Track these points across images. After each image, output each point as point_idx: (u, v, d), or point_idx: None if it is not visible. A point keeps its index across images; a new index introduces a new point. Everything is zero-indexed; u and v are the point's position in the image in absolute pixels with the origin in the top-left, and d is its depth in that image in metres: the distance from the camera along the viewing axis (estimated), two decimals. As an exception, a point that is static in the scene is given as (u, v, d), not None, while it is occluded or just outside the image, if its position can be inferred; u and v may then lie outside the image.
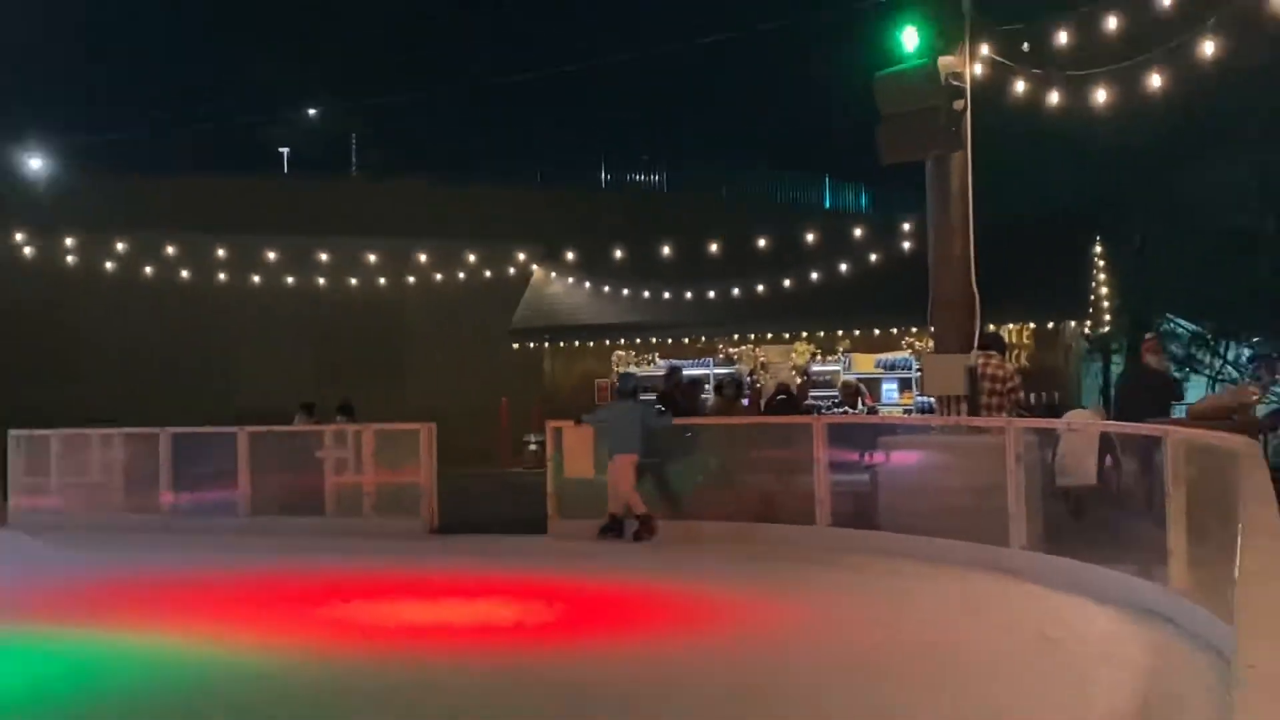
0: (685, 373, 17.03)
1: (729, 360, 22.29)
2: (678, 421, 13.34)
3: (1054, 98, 12.60)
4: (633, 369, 22.12)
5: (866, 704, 6.40)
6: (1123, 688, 6.38)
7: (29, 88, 32.80)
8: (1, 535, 14.59)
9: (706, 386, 18.43)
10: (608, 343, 23.30)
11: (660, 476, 13.06)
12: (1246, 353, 24.21)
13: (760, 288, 21.53)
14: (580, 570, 10.90)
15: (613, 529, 12.68)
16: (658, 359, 23.19)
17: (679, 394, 14.99)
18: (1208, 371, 27.52)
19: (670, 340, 22.81)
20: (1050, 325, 19.67)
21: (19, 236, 23.35)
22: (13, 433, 15.70)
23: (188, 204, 25.06)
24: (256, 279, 24.36)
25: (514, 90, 29.81)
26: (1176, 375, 14.53)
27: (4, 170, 25.58)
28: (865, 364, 20.89)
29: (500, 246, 24.40)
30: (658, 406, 13.88)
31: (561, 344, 23.65)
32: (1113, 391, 15.24)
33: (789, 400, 15.80)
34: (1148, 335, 12.98)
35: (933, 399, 13.33)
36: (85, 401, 21.77)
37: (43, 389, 23.04)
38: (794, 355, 21.54)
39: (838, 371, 20.79)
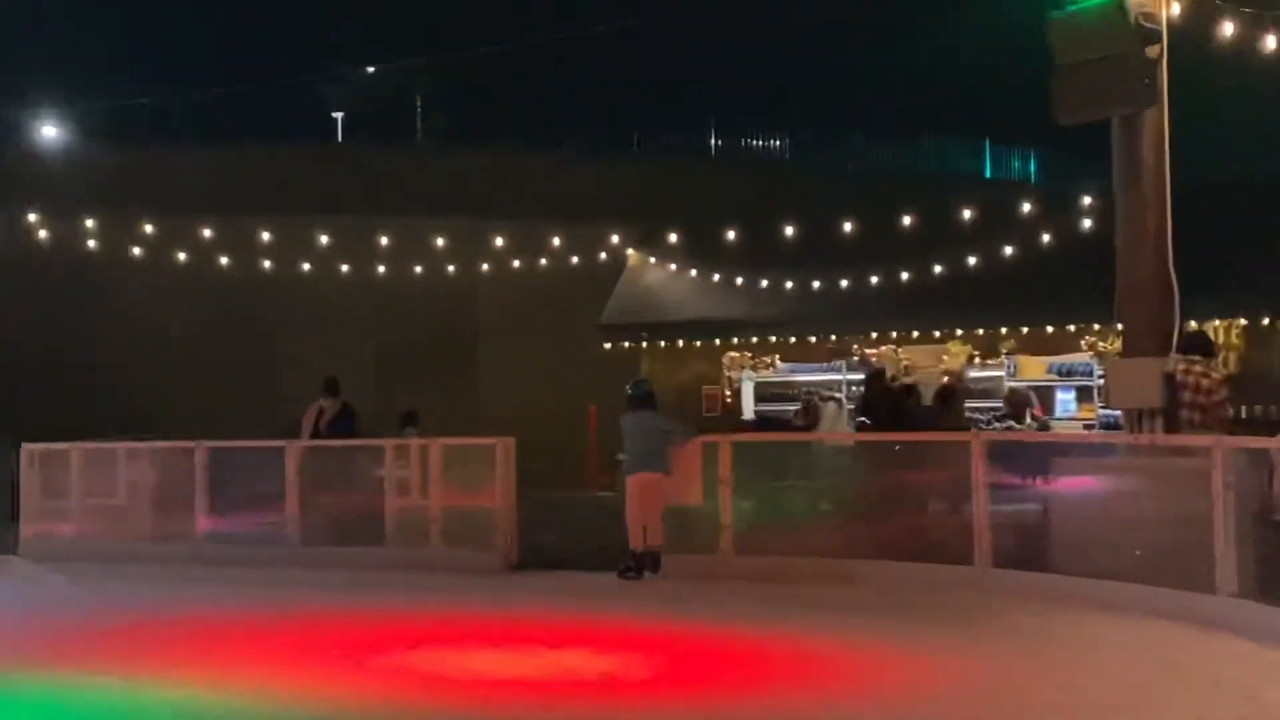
0: (892, 379, 17.02)
1: (865, 363, 22.03)
2: (881, 436, 13.34)
3: (1271, 42, 12.23)
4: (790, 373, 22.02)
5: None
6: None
7: (43, 45, 33.79)
8: (12, 565, 15.01)
9: (921, 390, 18.11)
10: (718, 342, 23.17)
11: (777, 501, 13.19)
12: None
13: (904, 275, 21.19)
14: (686, 616, 10.92)
15: (634, 569, 12.90)
16: (778, 362, 23.04)
17: (882, 401, 14.97)
18: None
19: (794, 339, 22.60)
20: (1266, 321, 19.10)
21: (32, 218, 24.07)
22: (26, 447, 16.09)
23: (225, 179, 25.58)
24: (306, 266, 24.76)
25: (606, 42, 29.81)
26: None
27: (15, 143, 26.42)
28: (1035, 369, 20.48)
29: (589, 227, 24.44)
30: (861, 418, 13.99)
31: (662, 343, 23.57)
32: None
33: (946, 400, 15.49)
34: None
35: (1119, 412, 13.04)
36: (109, 411, 22.35)
37: (61, 396, 23.73)
38: (946, 358, 21.18)
39: (1001, 378, 20.45)
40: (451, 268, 25.10)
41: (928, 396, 16.92)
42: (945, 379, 18.82)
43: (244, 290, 25.05)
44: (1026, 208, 21.11)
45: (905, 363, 21.58)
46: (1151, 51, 11.91)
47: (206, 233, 24.33)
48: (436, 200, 25.76)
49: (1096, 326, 19.48)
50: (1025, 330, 20.80)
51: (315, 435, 15.63)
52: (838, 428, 18.50)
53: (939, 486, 12.36)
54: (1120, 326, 12.70)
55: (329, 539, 14.45)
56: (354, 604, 11.93)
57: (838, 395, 20.43)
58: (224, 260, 24.53)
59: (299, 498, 14.53)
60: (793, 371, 23.04)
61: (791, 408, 21.36)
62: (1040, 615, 10.32)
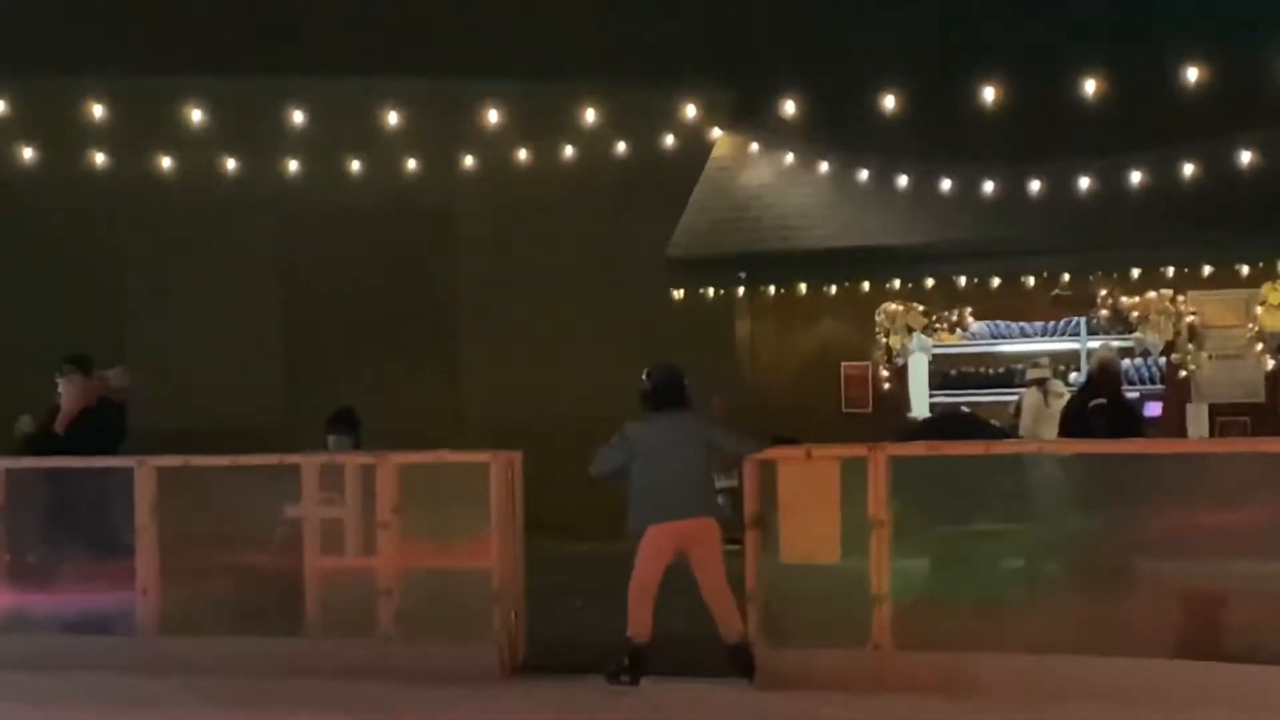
0: None
1: (1120, 318, 21.90)
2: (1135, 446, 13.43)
3: None
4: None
5: None
6: None
7: None
8: None
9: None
10: (867, 287, 23.14)
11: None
12: None
13: (1188, 170, 21.17)
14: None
15: (629, 670, 12.96)
16: (970, 319, 22.95)
17: None
18: None
19: (997, 280, 22.54)
20: None
21: None
22: None
23: (30, 13, 25.69)
24: (167, 162, 24.83)
25: None
26: None
27: None
28: None
29: (647, 91, 24.36)
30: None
31: (772, 289, 23.54)
32: None
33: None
34: None
35: None
36: None
37: None
38: (1260, 311, 21.12)
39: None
40: (412, 163, 25.09)
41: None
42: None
43: (64, 200, 25.20)
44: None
45: (1190, 319, 21.47)
46: None
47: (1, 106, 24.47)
48: (384, 47, 25.78)
49: None
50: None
51: (39, 443, 15.70)
52: (1044, 430, 18.45)
53: (1258, 531, 12.21)
54: None
55: (206, 624, 14.49)
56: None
57: (1056, 379, 20.20)
58: (28, 151, 24.64)
59: (157, 553, 14.56)
60: (996, 336, 22.93)
61: (1007, 398, 21.25)
62: None
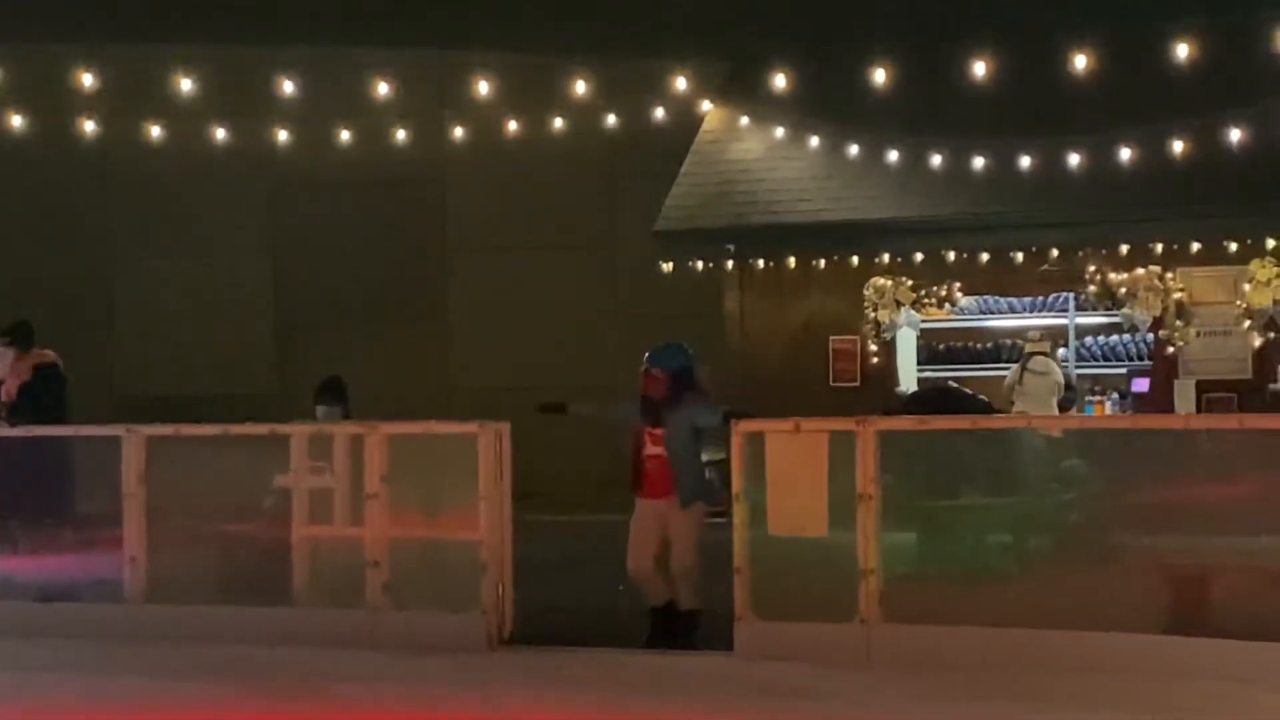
0: None
1: (1109, 294, 21.86)
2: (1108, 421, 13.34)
3: None
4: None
5: None
6: None
7: None
8: None
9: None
10: (856, 261, 23.10)
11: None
12: None
13: (1178, 146, 21.10)
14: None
15: (678, 629, 13.37)
16: (958, 294, 22.91)
17: None
18: None
19: (986, 255, 22.51)
20: None
21: None
22: None
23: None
24: (156, 130, 24.73)
25: None
26: None
27: None
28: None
29: (637, 62, 24.28)
30: None
31: (762, 262, 23.46)
32: None
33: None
34: None
35: None
36: None
37: None
38: (1248, 289, 21.09)
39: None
40: (401, 134, 25.00)
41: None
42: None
43: (55, 167, 25.09)
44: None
45: (1179, 295, 21.45)
46: None
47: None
48: (373, 17, 25.66)
49: None
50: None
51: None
52: (1018, 404, 18.47)
53: (1245, 507, 12.21)
54: None
55: (194, 593, 14.46)
56: (236, 710, 11.90)
57: (1046, 357, 20.16)
58: (18, 118, 24.55)
59: (144, 522, 14.52)
60: (984, 311, 22.88)
61: (995, 373, 21.19)
62: None
